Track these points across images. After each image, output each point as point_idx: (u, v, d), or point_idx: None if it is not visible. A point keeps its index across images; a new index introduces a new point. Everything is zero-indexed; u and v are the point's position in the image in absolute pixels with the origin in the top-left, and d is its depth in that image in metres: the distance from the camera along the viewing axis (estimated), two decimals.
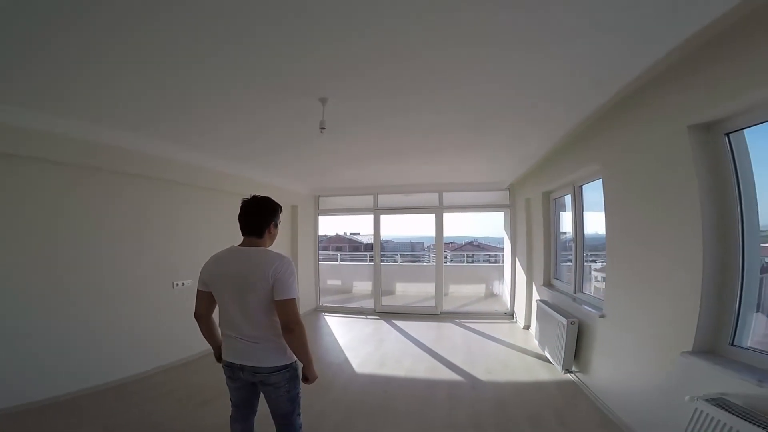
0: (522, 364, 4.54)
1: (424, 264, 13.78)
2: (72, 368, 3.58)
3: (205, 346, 2.12)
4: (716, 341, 2.08)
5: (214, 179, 5.21)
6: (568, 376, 3.93)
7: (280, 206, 2.05)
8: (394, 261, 14.96)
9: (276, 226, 2.01)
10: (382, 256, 8.57)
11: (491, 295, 9.84)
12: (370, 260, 9.06)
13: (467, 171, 6.30)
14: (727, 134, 2.05)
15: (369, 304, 7.94)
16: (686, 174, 2.18)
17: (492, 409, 3.36)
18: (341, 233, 30.33)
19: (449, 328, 6.42)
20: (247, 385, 1.96)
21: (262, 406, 2.03)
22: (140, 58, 2.28)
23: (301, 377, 1.97)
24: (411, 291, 10.02)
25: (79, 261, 3.71)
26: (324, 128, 3.08)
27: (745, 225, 1.99)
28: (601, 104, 2.95)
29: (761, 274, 2.05)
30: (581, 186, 4.16)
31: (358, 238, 29.97)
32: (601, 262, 3.74)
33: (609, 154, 3.19)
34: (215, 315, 2.02)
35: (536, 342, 5.07)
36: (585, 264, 4.25)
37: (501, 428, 3.03)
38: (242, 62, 2.37)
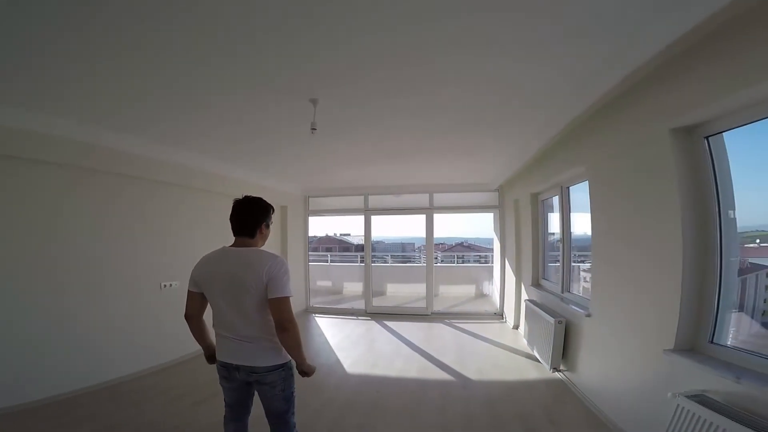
0: (511, 363, 4.59)
1: (415, 265, 13.82)
2: (68, 368, 3.60)
3: (199, 346, 2.12)
4: (696, 339, 2.14)
5: (207, 180, 5.22)
6: (557, 374, 4.00)
7: (272, 207, 2.06)
8: (385, 262, 14.98)
9: (268, 226, 2.02)
10: (373, 257, 8.59)
11: (481, 295, 9.92)
12: (361, 261, 9.08)
13: (457, 172, 6.36)
14: (707, 138, 2.11)
15: (360, 305, 7.96)
16: (667, 177, 2.24)
17: (483, 408, 3.40)
18: (331, 234, 30.26)
19: (440, 329, 6.46)
20: (242, 385, 1.97)
21: (256, 407, 2.04)
22: (139, 62, 2.29)
23: (299, 373, 2.00)
24: (402, 292, 10.04)
25: (76, 261, 3.73)
26: (315, 129, 3.10)
27: (722, 227, 2.06)
28: (584, 109, 3.02)
29: (744, 274, 2.13)
30: (568, 187, 4.23)
31: (348, 239, 29.91)
32: (590, 262, 3.81)
33: (594, 157, 3.25)
34: (208, 316, 2.01)
35: (525, 341, 5.14)
36: (574, 264, 4.31)
37: (492, 427, 3.07)
38: (240, 65, 2.39)
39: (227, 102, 3.01)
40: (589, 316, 3.35)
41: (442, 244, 29.03)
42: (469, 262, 17.80)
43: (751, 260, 2.18)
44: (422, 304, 7.69)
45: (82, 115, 3.22)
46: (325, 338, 5.94)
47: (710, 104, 1.90)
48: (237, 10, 1.80)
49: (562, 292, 4.30)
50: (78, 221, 3.77)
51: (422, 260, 9.32)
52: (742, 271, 2.13)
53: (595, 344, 3.34)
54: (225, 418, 2.08)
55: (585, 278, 4.47)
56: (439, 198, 7.71)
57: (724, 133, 2.05)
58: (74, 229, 3.73)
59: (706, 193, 2.11)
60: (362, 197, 7.91)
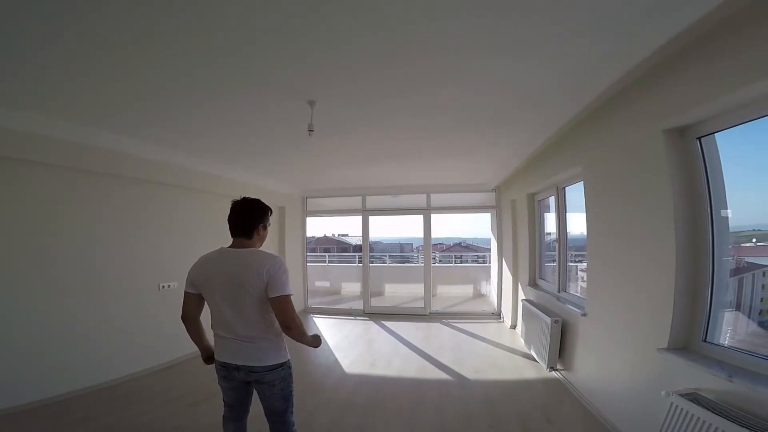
0: (509, 363, 4.61)
1: (413, 265, 13.84)
2: (67, 369, 3.62)
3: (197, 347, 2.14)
4: (690, 338, 2.17)
5: (205, 181, 5.24)
6: (554, 374, 4.02)
7: (270, 208, 2.08)
8: (383, 262, 15.00)
9: (265, 227, 2.04)
10: (371, 257, 8.60)
11: (479, 295, 9.94)
12: (359, 261, 9.09)
13: (454, 173, 6.38)
14: (699, 138, 2.14)
15: (358, 305, 7.97)
16: (660, 177, 2.27)
17: (481, 407, 3.42)
18: (329, 234, 30.25)
19: (438, 329, 6.48)
20: (241, 385, 1.98)
21: (255, 406, 2.06)
22: (138, 62, 2.29)
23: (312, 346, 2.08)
24: (400, 292, 10.06)
25: (75, 262, 3.75)
26: (312, 131, 3.11)
27: (714, 227, 2.08)
28: (580, 109, 3.05)
29: (741, 273, 2.16)
30: (564, 188, 4.25)
31: (347, 239, 29.91)
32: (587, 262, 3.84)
33: (589, 157, 3.28)
34: (204, 317, 2.02)
35: (522, 341, 5.17)
36: (572, 264, 4.34)
37: (490, 426, 3.09)
38: (240, 66, 2.40)
39: (227, 102, 3.02)
40: (585, 315, 3.38)
41: (440, 244, 29.08)
42: (467, 262, 17.83)
43: (747, 259, 2.20)
44: (420, 304, 7.70)
45: (81, 116, 3.22)
46: (324, 338, 5.95)
47: (702, 105, 1.93)
48: (237, 10, 1.81)
49: (559, 292, 4.33)
50: (77, 222, 3.79)
51: (420, 260, 9.35)
52: (739, 271, 2.16)
53: (591, 343, 3.37)
54: (224, 418, 2.09)
55: (582, 278, 4.50)
56: (437, 198, 7.72)
57: (718, 134, 2.07)
58: (73, 230, 3.75)
59: (699, 194, 2.14)
60: (360, 198, 7.92)
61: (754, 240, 2.17)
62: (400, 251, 28.63)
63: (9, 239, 3.29)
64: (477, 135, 4.10)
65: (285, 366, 1.96)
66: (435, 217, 7.79)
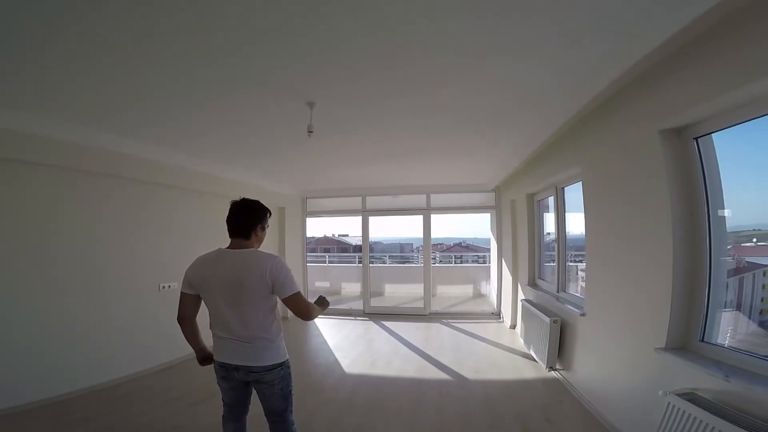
0: (508, 362, 4.62)
1: (413, 265, 13.84)
2: (68, 369, 3.63)
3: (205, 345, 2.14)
4: (687, 338, 2.17)
5: (205, 182, 5.25)
6: (553, 373, 4.03)
7: (269, 210, 2.09)
8: (383, 262, 15.00)
9: (263, 228, 2.05)
10: (371, 257, 8.60)
11: (479, 295, 9.95)
12: (359, 262, 9.10)
13: (454, 173, 6.39)
14: (696, 139, 2.14)
15: (358, 305, 7.98)
16: (658, 177, 2.27)
17: (480, 407, 3.42)
18: (330, 235, 30.24)
19: (438, 329, 6.49)
20: (240, 385, 1.99)
21: (255, 406, 2.06)
22: (138, 61, 2.30)
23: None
24: (400, 292, 10.07)
25: (76, 263, 3.77)
26: (312, 132, 3.12)
27: (712, 227, 2.09)
28: (579, 109, 3.05)
29: (742, 273, 2.16)
30: (563, 188, 4.26)
31: (347, 239, 29.91)
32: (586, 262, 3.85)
33: (588, 158, 3.28)
34: (200, 318, 2.03)
35: (522, 341, 5.17)
36: (572, 264, 4.35)
37: (489, 426, 3.10)
38: (240, 66, 2.41)
39: (227, 102, 3.02)
40: (583, 315, 3.38)
41: (440, 244, 29.07)
42: (467, 262, 17.83)
43: (748, 259, 2.20)
44: (420, 304, 7.71)
45: (81, 117, 3.23)
46: (324, 339, 5.96)
47: (698, 106, 1.93)
48: (237, 10, 1.82)
49: (558, 292, 4.33)
50: (77, 222, 3.80)
51: (420, 261, 9.36)
52: (739, 270, 2.16)
53: (589, 343, 3.37)
54: (223, 418, 2.10)
55: (583, 278, 4.51)
56: (437, 199, 7.73)
57: (717, 134, 2.07)
58: (73, 230, 3.76)
59: (696, 194, 2.14)
60: (360, 198, 7.93)
61: (754, 240, 2.17)
62: (401, 251, 28.62)
63: (9, 239, 3.30)
64: (477, 135, 4.11)
65: (284, 366, 1.97)
66: (435, 218, 7.80)
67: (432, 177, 6.71)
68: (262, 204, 2.07)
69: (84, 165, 3.73)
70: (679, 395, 1.95)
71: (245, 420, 2.14)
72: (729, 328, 2.14)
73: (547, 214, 5.15)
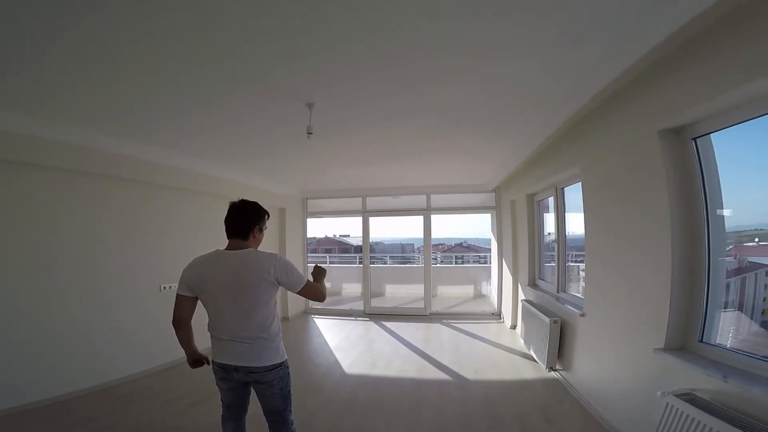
0: (509, 363, 4.62)
1: (414, 266, 13.84)
2: (68, 369, 3.64)
3: (200, 347, 2.14)
4: (686, 338, 2.17)
5: (205, 183, 5.26)
6: (553, 374, 4.02)
7: (267, 212, 2.11)
8: (384, 263, 15.00)
9: (261, 230, 2.06)
10: (372, 258, 8.60)
11: (479, 295, 9.94)
12: (360, 262, 9.10)
13: (454, 173, 6.39)
14: (695, 139, 2.14)
15: (359, 306, 7.98)
16: (656, 178, 2.27)
17: (480, 407, 3.42)
18: (331, 235, 30.27)
19: (438, 329, 6.48)
20: (239, 386, 2.00)
21: (255, 407, 2.07)
22: (138, 61, 2.30)
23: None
24: (400, 292, 10.06)
25: (76, 264, 3.78)
26: (311, 133, 3.13)
27: (710, 227, 2.08)
28: (578, 108, 3.05)
29: (743, 273, 2.16)
30: (563, 188, 4.26)
31: (348, 240, 29.93)
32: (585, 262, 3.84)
33: (587, 158, 3.28)
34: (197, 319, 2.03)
35: (522, 341, 5.17)
36: (573, 264, 4.34)
37: (489, 426, 3.10)
38: (240, 66, 2.42)
39: (227, 102, 3.03)
40: (583, 315, 3.38)
41: (441, 244, 29.10)
42: (468, 262, 17.83)
43: (750, 259, 2.20)
44: (421, 304, 7.71)
45: (80, 118, 3.24)
46: (324, 339, 5.97)
47: (696, 106, 1.93)
48: (237, 10, 1.82)
49: (558, 292, 4.33)
50: (77, 223, 3.81)
51: (421, 261, 9.37)
52: (741, 270, 2.16)
53: (589, 343, 3.37)
54: (223, 418, 2.10)
55: (584, 278, 4.50)
56: (437, 199, 7.73)
57: (718, 133, 2.06)
58: (74, 232, 3.77)
59: (694, 194, 2.14)
60: (360, 199, 7.93)
61: (756, 240, 2.17)
62: (402, 252, 28.64)
63: (9, 240, 3.31)
64: (477, 135, 4.11)
65: (283, 366, 1.98)
66: (437, 218, 7.81)
67: (432, 177, 6.71)
68: (260, 206, 2.08)
69: (84, 166, 3.74)
70: (677, 396, 1.94)
71: (244, 420, 2.14)
72: (731, 328, 2.14)
73: (547, 214, 5.15)
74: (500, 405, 3.45)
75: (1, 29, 1.90)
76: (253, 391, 2.03)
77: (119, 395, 3.72)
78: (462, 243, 31.12)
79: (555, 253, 4.40)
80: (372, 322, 7.00)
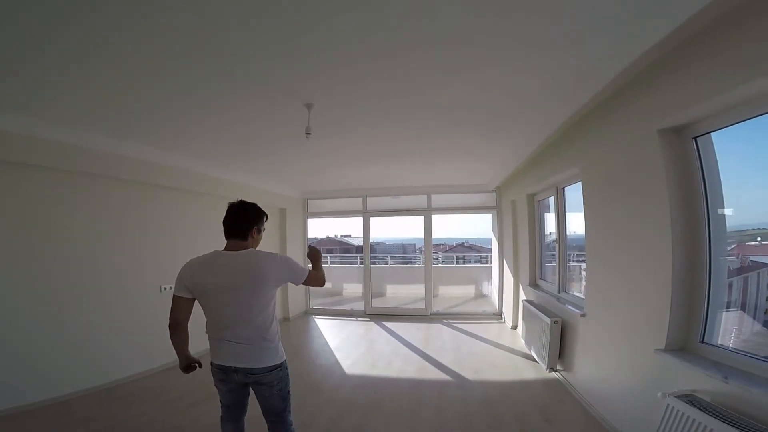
0: (509, 363, 4.61)
1: (415, 266, 13.83)
2: (68, 370, 3.65)
3: (198, 348, 2.14)
4: (687, 339, 2.16)
5: (205, 183, 5.25)
6: (554, 374, 4.01)
7: (266, 213, 2.11)
8: (386, 263, 14.99)
9: (260, 231, 2.06)
10: (373, 258, 8.60)
11: (480, 295, 9.92)
12: (361, 263, 9.11)
13: (455, 173, 6.38)
14: (695, 138, 2.13)
15: (359, 306, 7.98)
16: (657, 177, 2.26)
17: (480, 407, 3.42)
18: (332, 235, 30.28)
19: (438, 329, 6.48)
20: (238, 387, 1.99)
21: (254, 408, 2.07)
22: (138, 61, 2.30)
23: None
24: (401, 293, 10.06)
25: (77, 264, 3.78)
26: (310, 134, 3.13)
27: (711, 227, 2.07)
28: (578, 108, 3.04)
29: (746, 272, 2.14)
30: (564, 188, 4.25)
31: (349, 240, 29.94)
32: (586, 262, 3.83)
33: (587, 158, 3.27)
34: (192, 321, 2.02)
35: (523, 342, 5.16)
36: (575, 264, 4.33)
37: (489, 426, 3.09)
38: (240, 66, 2.42)
39: (227, 103, 3.02)
40: (584, 315, 3.37)
41: (443, 244, 29.10)
42: (469, 262, 17.81)
43: (752, 258, 2.19)
44: (421, 305, 7.70)
45: (80, 118, 3.24)
46: (325, 340, 5.97)
47: (697, 105, 1.92)
48: (236, 10, 1.82)
49: (559, 292, 4.32)
50: (77, 224, 3.82)
51: (422, 261, 9.37)
52: (743, 270, 2.15)
53: (590, 344, 3.36)
54: (222, 419, 2.10)
55: (585, 278, 4.49)
56: (437, 199, 7.72)
57: (720, 132, 2.04)
58: (74, 232, 3.78)
59: (695, 194, 2.13)
60: (361, 199, 7.93)
61: (758, 239, 2.16)
62: (403, 252, 28.64)
63: (10, 241, 3.31)
64: (477, 135, 4.11)
65: (282, 366, 1.98)
66: (438, 218, 7.80)
67: (432, 177, 6.71)
68: (259, 207, 2.08)
69: (84, 166, 3.73)
70: (678, 397, 1.93)
71: (244, 420, 2.14)
72: (733, 328, 2.12)
73: (548, 214, 5.13)
74: (500, 405, 3.44)
75: (1, 29, 1.90)
76: (252, 392, 2.03)
77: (119, 395, 3.72)
78: (463, 243, 31.12)
79: (556, 253, 4.39)
80: (373, 323, 7.00)
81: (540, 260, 5.30)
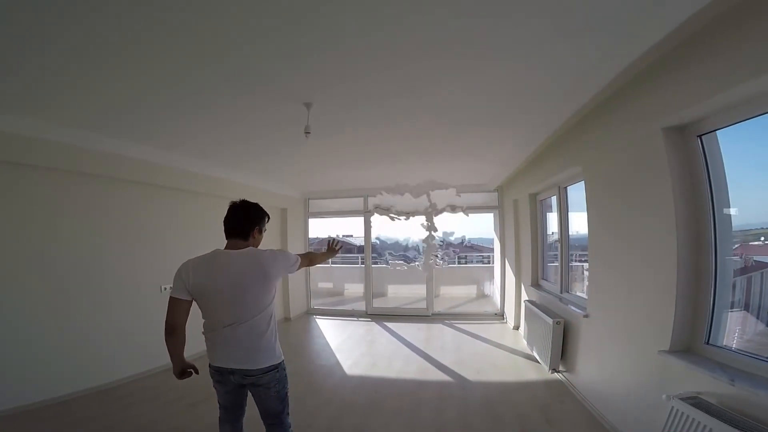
0: (511, 364, 4.59)
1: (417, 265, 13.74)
2: (68, 370, 3.64)
3: (195, 350, 2.12)
4: (692, 340, 2.13)
5: (206, 184, 5.24)
6: (556, 375, 3.99)
7: (267, 214, 2.09)
8: (387, 263, 14.91)
9: (261, 231, 2.05)
10: (375, 258, 8.58)
11: (482, 295, 9.88)
12: (362, 262, 9.08)
13: (456, 173, 6.35)
14: (700, 136, 2.10)
15: (361, 306, 7.96)
16: (661, 176, 2.23)
17: (481, 408, 3.40)
18: (334, 235, 30.16)
19: (440, 330, 6.46)
20: (236, 388, 1.98)
21: (253, 409, 2.05)
22: (138, 61, 2.29)
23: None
24: (403, 293, 10.02)
25: (77, 264, 3.78)
26: (309, 133, 3.11)
27: (717, 226, 2.04)
28: (579, 107, 3.02)
29: (750, 272, 2.12)
30: (566, 187, 4.22)
31: (351, 240, 29.83)
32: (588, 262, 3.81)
33: (589, 157, 3.25)
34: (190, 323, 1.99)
35: (525, 342, 5.14)
36: (578, 264, 4.30)
37: (489, 427, 3.07)
38: (241, 67, 2.41)
39: (227, 102, 3.01)
40: (587, 316, 3.35)
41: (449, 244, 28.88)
42: (471, 262, 17.72)
43: (756, 258, 2.16)
44: (423, 305, 7.68)
45: (80, 118, 3.23)
46: (326, 340, 5.96)
47: (701, 103, 1.89)
48: (236, 11, 1.81)
49: (561, 293, 4.30)
50: (78, 224, 3.81)
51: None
52: (746, 270, 2.13)
53: (592, 345, 3.34)
54: (220, 420, 2.09)
55: (587, 278, 4.46)
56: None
57: (724, 131, 2.02)
58: (74, 232, 3.77)
59: (700, 193, 2.10)
60: (362, 199, 7.91)
61: (762, 239, 2.13)
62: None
63: (10, 241, 3.31)
64: (478, 135, 4.09)
65: (280, 367, 1.96)
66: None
67: (434, 177, 6.66)
68: (261, 207, 2.07)
69: (84, 167, 3.73)
70: (683, 399, 1.91)
71: (242, 421, 2.13)
72: (737, 329, 2.09)
73: (550, 213, 5.11)
74: (501, 406, 3.42)
75: (1, 29, 1.89)
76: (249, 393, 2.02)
77: (119, 396, 3.72)
78: (463, 242, 30.94)
79: (558, 253, 4.36)
80: (374, 323, 6.99)
81: (542, 260, 5.28)
